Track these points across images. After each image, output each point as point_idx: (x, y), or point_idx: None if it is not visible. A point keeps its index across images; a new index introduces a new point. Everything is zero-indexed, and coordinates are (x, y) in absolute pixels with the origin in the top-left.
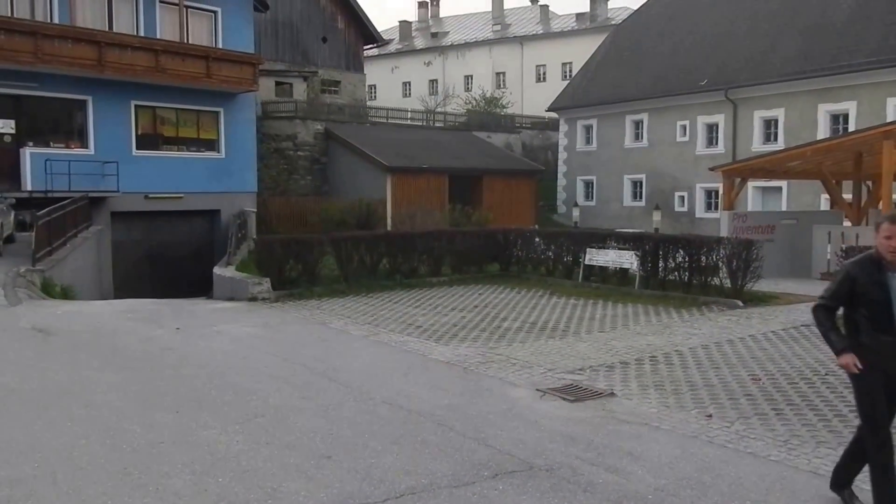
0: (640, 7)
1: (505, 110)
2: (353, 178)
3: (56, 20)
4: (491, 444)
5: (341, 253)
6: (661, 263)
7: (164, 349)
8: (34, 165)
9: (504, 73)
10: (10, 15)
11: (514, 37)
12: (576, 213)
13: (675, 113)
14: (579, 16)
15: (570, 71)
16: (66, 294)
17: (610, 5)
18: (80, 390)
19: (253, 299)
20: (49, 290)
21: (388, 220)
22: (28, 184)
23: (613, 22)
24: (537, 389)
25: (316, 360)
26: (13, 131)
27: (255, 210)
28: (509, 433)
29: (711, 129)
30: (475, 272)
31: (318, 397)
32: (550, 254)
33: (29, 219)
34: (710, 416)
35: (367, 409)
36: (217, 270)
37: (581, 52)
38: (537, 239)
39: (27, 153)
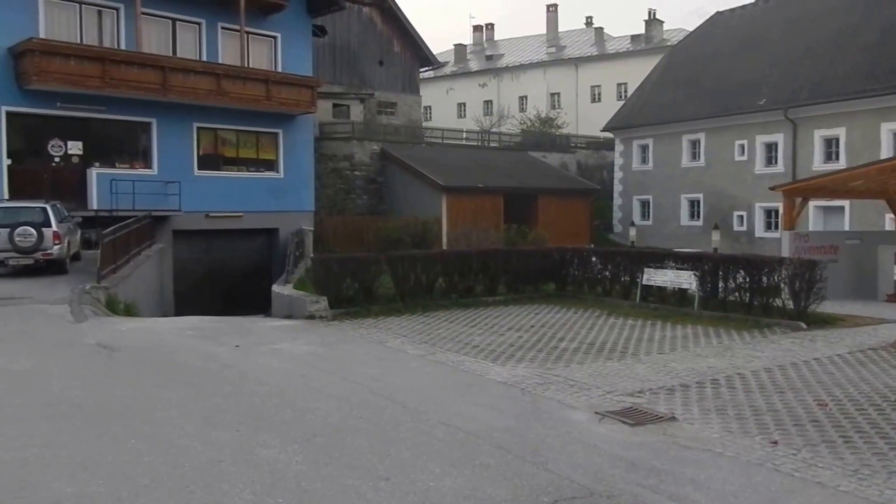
0: (697, 28)
1: (560, 130)
2: (408, 198)
3: (123, 46)
4: (550, 469)
5: (398, 272)
6: (720, 284)
7: (224, 366)
8: (100, 185)
9: (559, 94)
10: (80, 42)
11: (569, 58)
12: (632, 232)
13: (732, 132)
14: (634, 37)
15: (626, 91)
16: (130, 311)
17: (665, 27)
18: (142, 407)
19: (311, 317)
20: (113, 306)
21: (444, 239)
22: (94, 203)
23: (669, 43)
24: (596, 412)
25: (373, 379)
26: (81, 152)
27: (313, 229)
28: (568, 457)
29: (770, 148)
30: (531, 292)
31: (376, 417)
32: (607, 273)
33: (94, 237)
34: (776, 442)
35: (424, 429)
36: (275, 288)
37: (636, 72)
38: (594, 258)
39: (94, 173)
